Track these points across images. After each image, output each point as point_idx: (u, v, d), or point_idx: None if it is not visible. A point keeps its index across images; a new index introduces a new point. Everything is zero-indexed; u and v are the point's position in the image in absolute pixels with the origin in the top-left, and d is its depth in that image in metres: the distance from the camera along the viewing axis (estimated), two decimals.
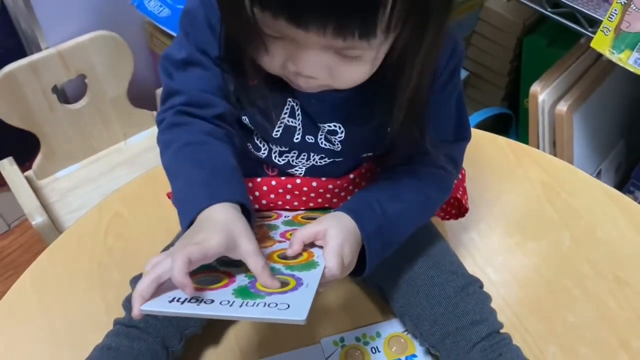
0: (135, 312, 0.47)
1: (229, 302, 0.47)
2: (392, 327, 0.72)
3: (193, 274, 0.50)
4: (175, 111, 0.58)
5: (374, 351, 0.70)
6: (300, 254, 0.55)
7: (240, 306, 0.46)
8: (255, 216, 0.66)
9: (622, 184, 1.32)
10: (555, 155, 1.15)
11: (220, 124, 0.59)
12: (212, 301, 0.47)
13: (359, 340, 0.71)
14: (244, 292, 0.49)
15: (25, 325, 0.73)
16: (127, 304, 0.65)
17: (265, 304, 0.47)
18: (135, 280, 0.67)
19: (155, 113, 1.40)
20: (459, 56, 0.60)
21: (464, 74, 1.42)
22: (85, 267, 0.78)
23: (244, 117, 0.62)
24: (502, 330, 0.66)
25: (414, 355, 0.70)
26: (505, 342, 0.65)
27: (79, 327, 0.72)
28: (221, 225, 0.50)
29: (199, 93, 0.58)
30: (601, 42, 0.92)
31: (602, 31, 0.91)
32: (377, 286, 0.72)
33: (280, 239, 0.60)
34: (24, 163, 1.31)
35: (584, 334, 0.72)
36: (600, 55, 1.16)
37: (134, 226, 0.82)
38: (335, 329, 0.71)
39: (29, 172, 1.29)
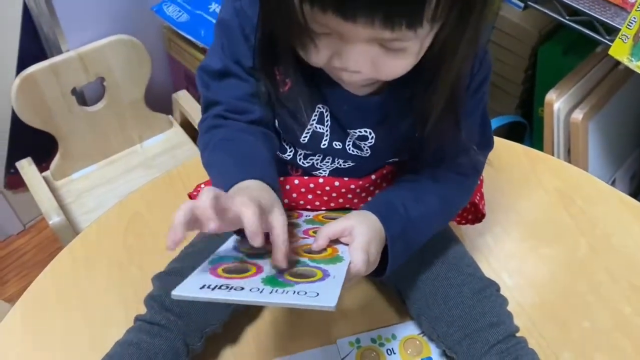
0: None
1: (258, 289, 0.47)
2: (408, 329, 0.72)
3: (220, 264, 0.51)
4: (214, 115, 0.61)
5: (389, 353, 0.70)
6: (324, 249, 0.56)
7: (270, 293, 0.47)
8: None
9: (636, 193, 1.32)
10: (570, 163, 1.15)
11: (256, 127, 0.61)
12: (242, 288, 0.47)
13: (374, 342, 0.71)
14: (272, 281, 0.49)
15: (46, 322, 0.74)
16: (150, 300, 0.66)
17: (294, 291, 0.47)
18: (157, 278, 0.68)
19: (171, 117, 1.42)
20: (487, 66, 0.61)
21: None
22: (105, 265, 0.79)
23: (275, 121, 0.64)
24: (517, 334, 0.66)
25: (429, 358, 0.70)
26: (521, 345, 0.65)
27: (99, 323, 0.73)
28: (257, 190, 0.52)
29: (235, 101, 0.61)
30: (620, 50, 0.93)
31: (621, 39, 0.92)
32: (395, 287, 0.73)
33: (304, 236, 0.60)
34: (42, 163, 1.33)
35: (598, 340, 0.72)
36: (616, 64, 1.17)
37: (153, 225, 0.83)
38: (352, 329, 0.72)
39: (47, 173, 1.31)
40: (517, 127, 1.42)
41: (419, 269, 0.69)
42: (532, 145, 1.40)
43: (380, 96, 0.57)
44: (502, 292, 0.70)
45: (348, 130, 0.62)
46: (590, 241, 0.82)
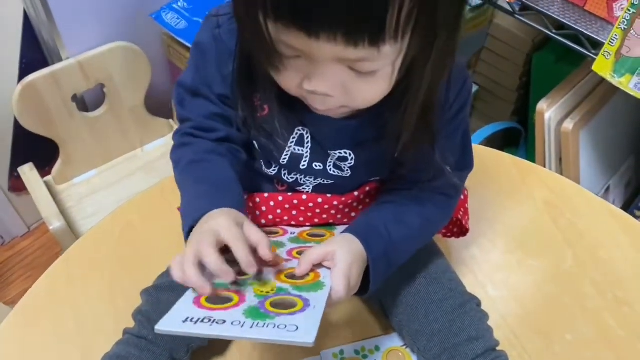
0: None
1: (240, 322, 0.49)
2: (391, 342, 0.74)
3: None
4: (183, 133, 0.65)
5: None
6: (307, 274, 0.57)
7: (251, 327, 0.49)
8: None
9: (632, 200, 1.32)
10: (561, 172, 1.15)
11: (222, 144, 0.64)
12: (224, 321, 0.49)
13: (358, 354, 0.72)
14: (254, 313, 0.51)
15: (37, 331, 0.75)
16: (138, 315, 0.68)
17: (275, 325, 0.49)
18: (146, 292, 0.70)
19: (171, 121, 1.44)
20: (467, 92, 0.62)
21: (474, 88, 1.43)
22: (98, 275, 0.81)
23: (254, 142, 0.66)
24: (498, 348, 0.67)
25: None
26: (501, 359, 0.66)
27: (89, 334, 0.74)
28: (225, 213, 0.56)
29: (202, 119, 0.64)
30: (602, 66, 0.93)
31: (604, 55, 0.93)
32: (378, 301, 0.74)
33: (288, 257, 0.62)
34: (44, 168, 1.35)
35: (582, 353, 0.73)
36: None
37: (145, 236, 0.85)
38: (336, 341, 0.73)
39: (48, 178, 1.33)
40: (513, 133, 1.43)
41: (401, 283, 0.71)
42: (527, 151, 1.41)
43: (358, 119, 0.58)
44: (486, 304, 0.71)
45: (329, 152, 0.64)
46: (577, 253, 0.83)
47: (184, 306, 0.52)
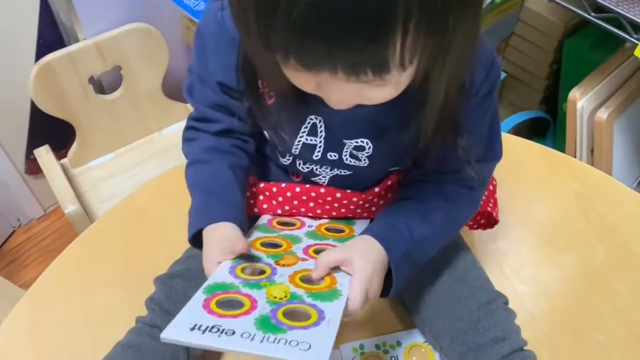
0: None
1: (249, 335, 0.47)
2: (413, 337, 0.71)
3: (215, 294, 0.51)
4: (187, 127, 0.67)
5: None
6: (322, 278, 0.55)
7: (261, 341, 0.46)
8: (277, 221, 0.67)
9: None
10: (593, 163, 1.11)
11: (225, 137, 0.65)
12: (233, 332, 0.47)
13: (378, 348, 0.70)
14: (265, 323, 0.48)
15: (49, 316, 0.74)
16: (151, 303, 0.66)
17: (286, 340, 0.46)
18: (159, 280, 0.68)
19: (189, 106, 1.41)
20: (496, 73, 0.58)
21: (502, 75, 1.38)
22: (110, 262, 0.79)
23: (264, 131, 0.64)
24: (526, 347, 0.64)
25: None
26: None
27: (101, 321, 0.73)
28: (212, 245, 0.59)
29: (204, 109, 0.64)
30: None
31: None
32: (399, 297, 0.71)
33: (304, 256, 0.59)
34: (60, 151, 1.34)
35: (613, 353, 0.70)
36: None
37: (159, 222, 0.83)
38: (356, 335, 0.71)
39: (64, 160, 1.32)
40: (541, 122, 1.39)
41: (424, 279, 0.67)
42: (555, 141, 1.37)
43: (376, 107, 0.54)
44: (513, 299, 0.68)
45: (344, 141, 0.60)
46: (608, 248, 0.79)
47: (193, 309, 0.50)
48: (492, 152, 0.64)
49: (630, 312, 0.73)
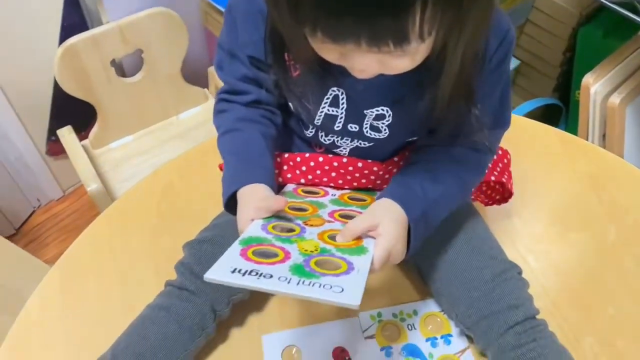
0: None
1: (286, 278, 0.50)
2: (429, 307, 0.73)
3: (250, 245, 0.54)
4: (218, 100, 0.69)
5: (410, 328, 0.71)
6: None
7: (297, 284, 0.49)
8: (302, 189, 0.69)
9: None
10: (604, 148, 1.12)
11: (255, 107, 0.67)
12: (271, 276, 0.50)
13: (395, 317, 0.72)
14: (299, 270, 0.51)
15: (81, 284, 0.77)
16: (180, 267, 0.69)
17: (320, 284, 0.49)
18: (188, 245, 0.71)
19: (206, 90, 1.44)
20: (509, 42, 0.60)
21: (515, 62, 1.40)
22: (138, 231, 0.82)
23: (289, 103, 0.67)
24: (538, 317, 0.66)
25: (450, 335, 0.71)
26: (540, 327, 0.65)
27: (131, 287, 0.76)
28: (247, 205, 0.60)
29: (235, 82, 0.67)
30: None
31: None
32: (416, 267, 0.74)
33: (330, 219, 0.62)
34: (81, 132, 1.37)
35: (623, 327, 0.72)
36: None
37: (186, 195, 0.86)
38: (374, 304, 0.73)
39: (85, 142, 1.34)
40: (553, 110, 1.40)
41: (441, 249, 0.70)
42: (567, 129, 1.38)
43: (397, 76, 0.57)
44: (526, 275, 0.70)
45: (365, 112, 0.63)
46: (619, 228, 0.81)
47: (231, 257, 0.53)
48: (502, 120, 0.67)
49: (639, 288, 0.75)
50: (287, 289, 0.49)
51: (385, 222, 0.58)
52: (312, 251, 0.55)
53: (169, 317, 0.65)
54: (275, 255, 0.53)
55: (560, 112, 1.40)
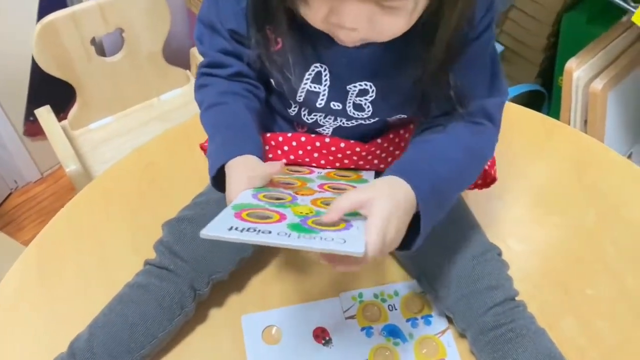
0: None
1: (286, 233, 0.48)
2: (410, 287, 0.73)
3: (243, 210, 0.52)
4: (200, 74, 0.67)
5: (390, 309, 0.71)
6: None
7: (298, 237, 0.47)
8: (288, 168, 0.69)
9: None
10: (586, 134, 1.13)
11: (238, 81, 0.66)
12: (270, 232, 0.48)
13: (376, 297, 0.72)
14: (298, 227, 0.49)
15: (59, 262, 0.76)
16: (159, 246, 0.68)
17: (321, 237, 0.47)
18: (167, 224, 0.70)
19: (188, 72, 1.42)
20: (494, 9, 0.59)
21: (499, 48, 1.40)
22: (119, 210, 0.81)
23: (270, 80, 0.66)
24: (517, 298, 0.67)
25: (430, 316, 0.71)
26: (519, 309, 0.66)
27: (110, 266, 0.75)
28: (239, 174, 0.58)
29: (216, 54, 0.65)
30: None
31: None
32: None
33: (319, 190, 0.61)
34: (60, 113, 1.34)
35: (601, 308, 0.72)
36: None
37: (167, 174, 0.85)
38: (355, 285, 0.73)
39: (64, 122, 1.32)
40: (536, 96, 1.41)
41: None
42: (549, 115, 1.38)
43: (379, 46, 0.55)
44: (507, 257, 0.70)
45: (347, 87, 0.62)
46: (599, 211, 0.82)
47: (226, 218, 0.50)
48: (496, 88, 0.63)
49: (617, 270, 0.76)
50: (289, 241, 0.46)
51: (378, 198, 0.50)
52: (307, 213, 0.52)
53: (148, 296, 0.64)
54: (270, 217, 0.51)
55: (544, 98, 1.41)
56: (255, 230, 0.47)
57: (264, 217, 0.51)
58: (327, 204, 0.54)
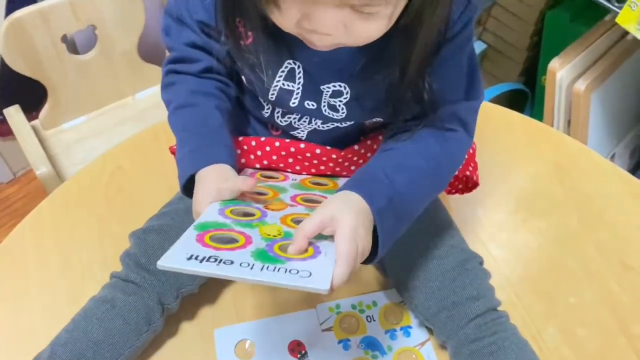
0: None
1: (248, 264, 0.45)
2: (389, 298, 0.71)
3: (207, 231, 0.49)
4: (167, 71, 0.64)
5: (369, 320, 0.69)
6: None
7: (261, 269, 0.45)
8: (260, 174, 0.66)
9: (636, 169, 1.30)
10: (569, 134, 1.12)
11: (207, 77, 0.63)
12: (232, 262, 0.45)
13: (354, 308, 0.70)
14: (263, 255, 0.47)
15: (22, 273, 0.73)
16: (126, 258, 0.65)
17: (286, 269, 0.45)
18: (134, 235, 0.67)
19: None
20: (473, 8, 0.57)
21: (482, 46, 1.38)
22: (85, 218, 0.78)
23: (242, 77, 0.63)
24: (500, 308, 0.65)
25: (409, 327, 0.69)
26: (501, 320, 0.64)
27: (76, 277, 0.72)
28: (208, 185, 0.55)
29: (185, 49, 0.62)
30: (627, 18, 0.89)
31: (630, 6, 0.88)
32: None
33: (292, 203, 0.58)
34: (31, 112, 1.30)
35: (583, 316, 0.71)
36: (623, 34, 1.13)
37: (135, 180, 0.82)
38: (332, 295, 0.71)
39: (35, 122, 1.28)
40: (519, 95, 1.39)
41: (400, 239, 0.67)
42: (532, 115, 1.38)
43: (352, 49, 0.53)
44: (488, 263, 0.69)
45: (321, 88, 0.59)
46: (582, 216, 0.81)
47: (186, 243, 0.48)
48: (474, 91, 0.62)
49: (602, 277, 0.74)
50: (250, 275, 0.44)
51: (339, 213, 0.50)
52: (275, 236, 0.50)
53: (113, 312, 0.61)
54: (235, 240, 0.49)
55: (526, 97, 1.40)
56: (216, 260, 0.45)
57: (228, 240, 0.48)
58: (298, 222, 0.52)
